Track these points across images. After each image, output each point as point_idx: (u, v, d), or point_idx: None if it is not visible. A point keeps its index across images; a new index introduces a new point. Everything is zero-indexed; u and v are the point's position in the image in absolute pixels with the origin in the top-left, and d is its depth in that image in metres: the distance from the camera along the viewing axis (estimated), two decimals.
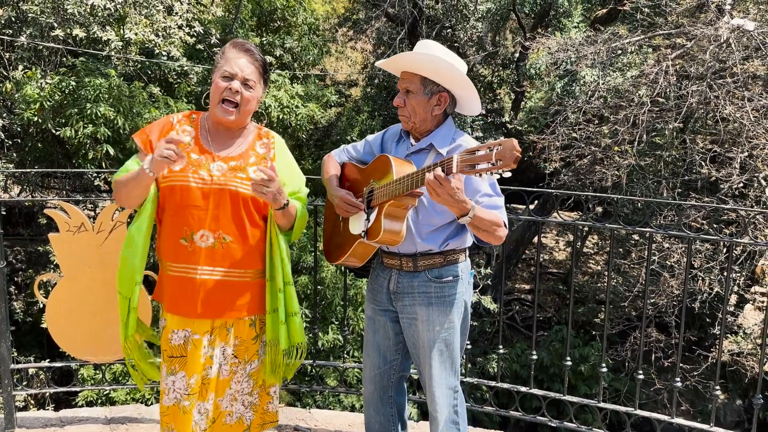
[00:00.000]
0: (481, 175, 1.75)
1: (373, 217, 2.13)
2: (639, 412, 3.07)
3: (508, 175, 1.73)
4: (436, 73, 2.14)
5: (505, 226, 2.14)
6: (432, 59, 2.11)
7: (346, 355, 4.35)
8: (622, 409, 3.12)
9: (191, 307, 2.05)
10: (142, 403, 6.23)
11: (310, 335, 3.46)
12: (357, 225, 2.21)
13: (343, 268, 2.87)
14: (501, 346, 3.34)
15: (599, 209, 9.91)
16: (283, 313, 2.13)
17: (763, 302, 9.80)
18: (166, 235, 2.08)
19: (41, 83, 6.69)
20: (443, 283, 2.22)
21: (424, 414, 7.05)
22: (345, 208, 2.24)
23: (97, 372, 6.48)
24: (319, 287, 6.90)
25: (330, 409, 6.62)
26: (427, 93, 2.17)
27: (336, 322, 7.21)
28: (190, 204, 2.02)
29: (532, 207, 3.23)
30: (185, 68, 7.85)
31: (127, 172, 2.05)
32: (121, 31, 7.03)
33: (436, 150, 2.17)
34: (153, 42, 7.10)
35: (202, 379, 2.08)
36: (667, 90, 6.61)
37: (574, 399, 3.20)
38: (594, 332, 9.76)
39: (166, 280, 2.10)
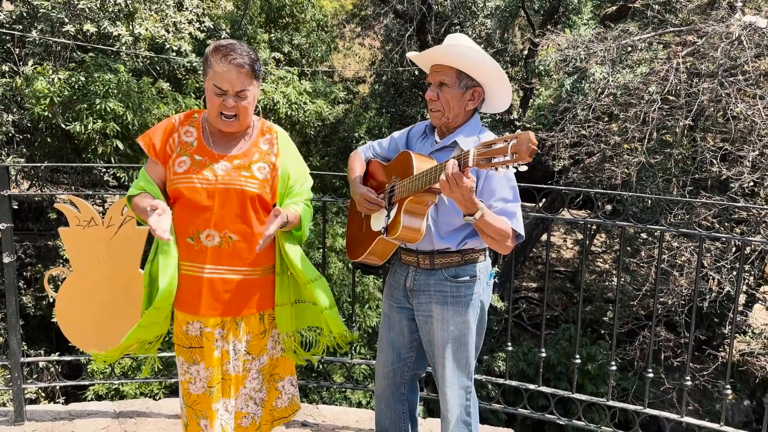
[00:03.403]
0: (497, 168, 1.70)
1: (393, 213, 2.11)
2: (648, 410, 3.05)
3: (524, 168, 1.70)
4: (474, 67, 2.07)
5: (517, 237, 2.07)
6: (473, 53, 2.05)
7: (353, 352, 4.36)
8: (631, 407, 3.10)
9: (197, 305, 2.05)
10: (150, 397, 6.26)
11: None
12: (378, 222, 2.20)
13: (350, 265, 2.87)
14: (509, 344, 3.32)
15: (608, 207, 9.86)
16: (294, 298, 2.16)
17: None
18: (174, 233, 2.07)
19: (51, 78, 6.72)
20: (459, 283, 2.18)
21: (430, 411, 7.05)
22: (366, 206, 2.21)
23: (107, 366, 6.50)
24: None
25: (337, 405, 6.63)
26: (462, 87, 2.11)
27: (343, 319, 7.20)
28: (195, 204, 2.02)
29: (540, 204, 3.22)
30: (194, 64, 7.87)
31: (138, 193, 2.09)
32: (131, 26, 7.05)
33: (460, 148, 2.08)
34: (163, 37, 7.11)
35: (222, 375, 2.08)
36: (678, 87, 6.56)
37: (583, 397, 3.18)
38: (602, 331, 9.72)
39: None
